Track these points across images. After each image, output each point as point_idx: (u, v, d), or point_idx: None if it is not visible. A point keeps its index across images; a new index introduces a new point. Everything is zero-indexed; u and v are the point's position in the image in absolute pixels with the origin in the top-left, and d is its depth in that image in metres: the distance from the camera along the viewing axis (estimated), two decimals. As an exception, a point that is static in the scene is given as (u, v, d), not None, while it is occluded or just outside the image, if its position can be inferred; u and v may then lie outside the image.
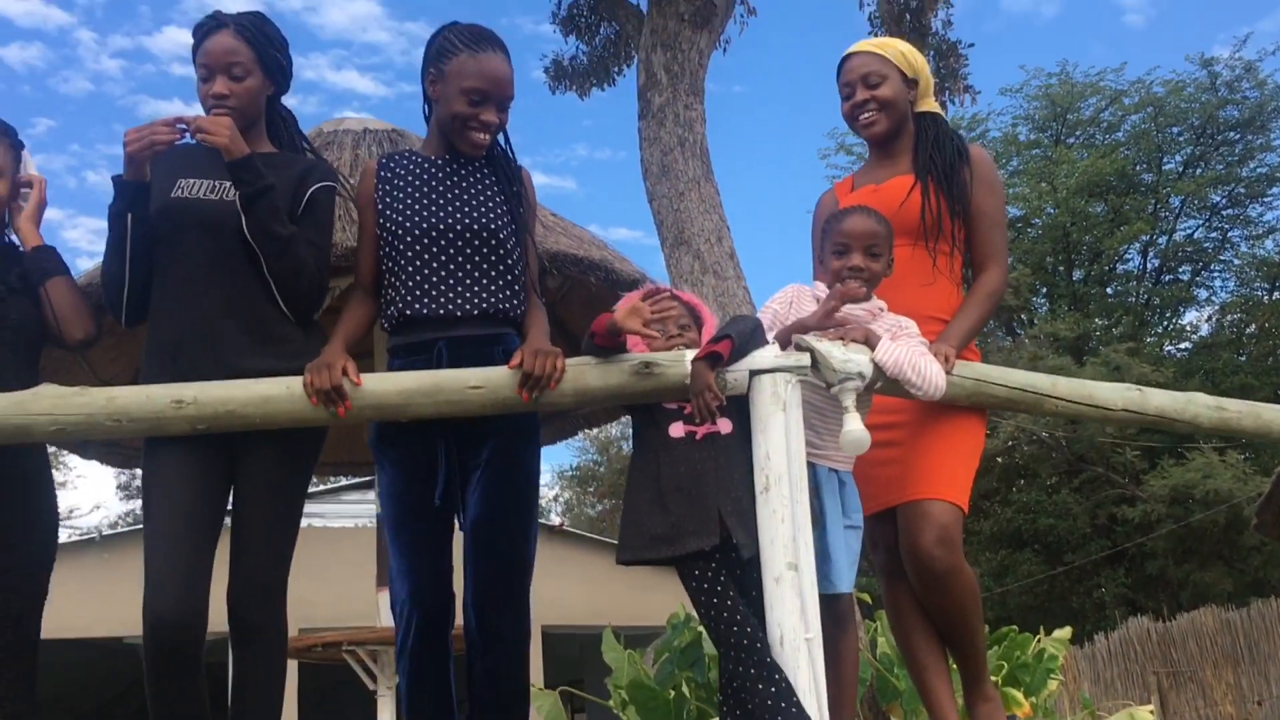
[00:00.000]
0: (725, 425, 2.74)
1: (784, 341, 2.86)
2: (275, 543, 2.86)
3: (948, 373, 2.92)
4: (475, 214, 2.99)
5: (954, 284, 3.27)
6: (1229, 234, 23.64)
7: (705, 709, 4.83)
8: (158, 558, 2.70)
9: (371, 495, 11.63)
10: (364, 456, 6.99)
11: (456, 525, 3.01)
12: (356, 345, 2.98)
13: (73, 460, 23.34)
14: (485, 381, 2.74)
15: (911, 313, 3.07)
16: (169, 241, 2.92)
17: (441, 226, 2.97)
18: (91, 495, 55.11)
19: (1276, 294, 22.77)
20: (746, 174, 49.30)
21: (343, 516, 16.51)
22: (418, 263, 2.95)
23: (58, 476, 3.18)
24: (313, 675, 13.49)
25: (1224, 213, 23.35)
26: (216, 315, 2.86)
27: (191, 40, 3.02)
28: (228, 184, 2.89)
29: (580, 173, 52.79)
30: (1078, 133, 23.59)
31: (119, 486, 30.78)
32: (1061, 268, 23.83)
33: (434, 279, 2.94)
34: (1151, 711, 5.10)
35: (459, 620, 3.01)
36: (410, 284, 2.95)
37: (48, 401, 2.65)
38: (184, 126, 2.85)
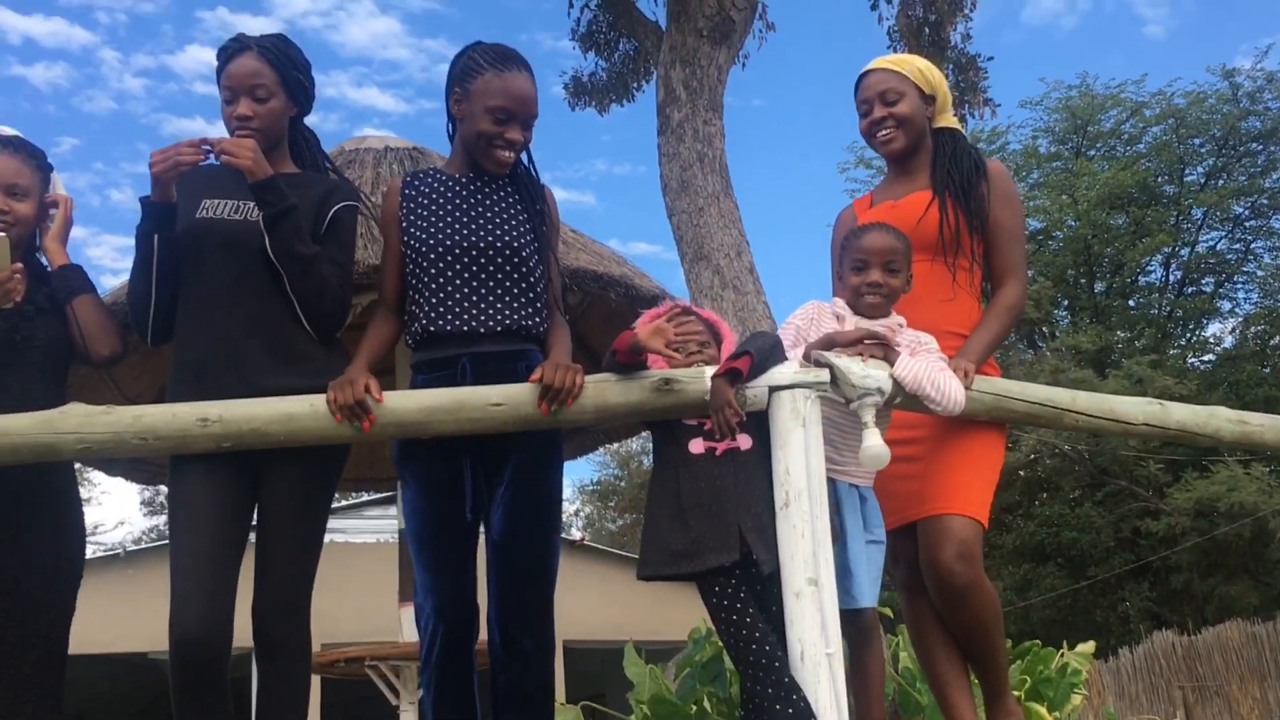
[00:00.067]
0: (745, 441, 2.75)
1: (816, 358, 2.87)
2: (299, 559, 2.88)
3: (967, 388, 2.93)
4: (499, 232, 3.02)
5: (973, 299, 3.27)
6: (1252, 245, 23.55)
7: (727, 724, 4.82)
8: (183, 575, 2.73)
9: (393, 510, 11.66)
10: (385, 472, 7.04)
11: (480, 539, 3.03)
12: (379, 362, 3.01)
13: (97, 476, 23.46)
14: (506, 399, 2.76)
15: (931, 328, 3.08)
16: (193, 261, 2.96)
17: (465, 244, 2.99)
18: (116, 511, 55.38)
19: (1300, 305, 22.65)
20: (766, 188, 49.34)
21: (365, 532, 16.57)
22: (441, 280, 2.98)
23: (82, 493, 3.22)
24: (336, 690, 13.50)
25: (1247, 224, 23.27)
26: (240, 334, 2.90)
27: (215, 60, 3.07)
28: (251, 204, 2.92)
29: (600, 187, 52.95)
30: (1099, 145, 23.53)
31: (143, 502, 30.99)
32: (1083, 280, 23.76)
33: (458, 295, 2.97)
34: (1176, 727, 5.06)
35: (483, 634, 3.03)
36: (434, 300, 2.97)
37: (75, 420, 2.68)
38: (208, 148, 2.89)
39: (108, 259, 46.39)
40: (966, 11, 10.74)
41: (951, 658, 3.14)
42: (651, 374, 2.78)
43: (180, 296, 2.97)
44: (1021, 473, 20.80)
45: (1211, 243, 23.63)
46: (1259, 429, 3.46)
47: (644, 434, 7.81)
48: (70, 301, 3.06)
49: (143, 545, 19.00)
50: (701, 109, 8.81)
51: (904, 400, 2.87)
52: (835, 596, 2.67)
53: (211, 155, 2.90)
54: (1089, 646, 5.86)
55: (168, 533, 2.88)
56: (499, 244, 3.00)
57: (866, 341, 2.87)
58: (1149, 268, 23.73)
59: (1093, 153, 23.44)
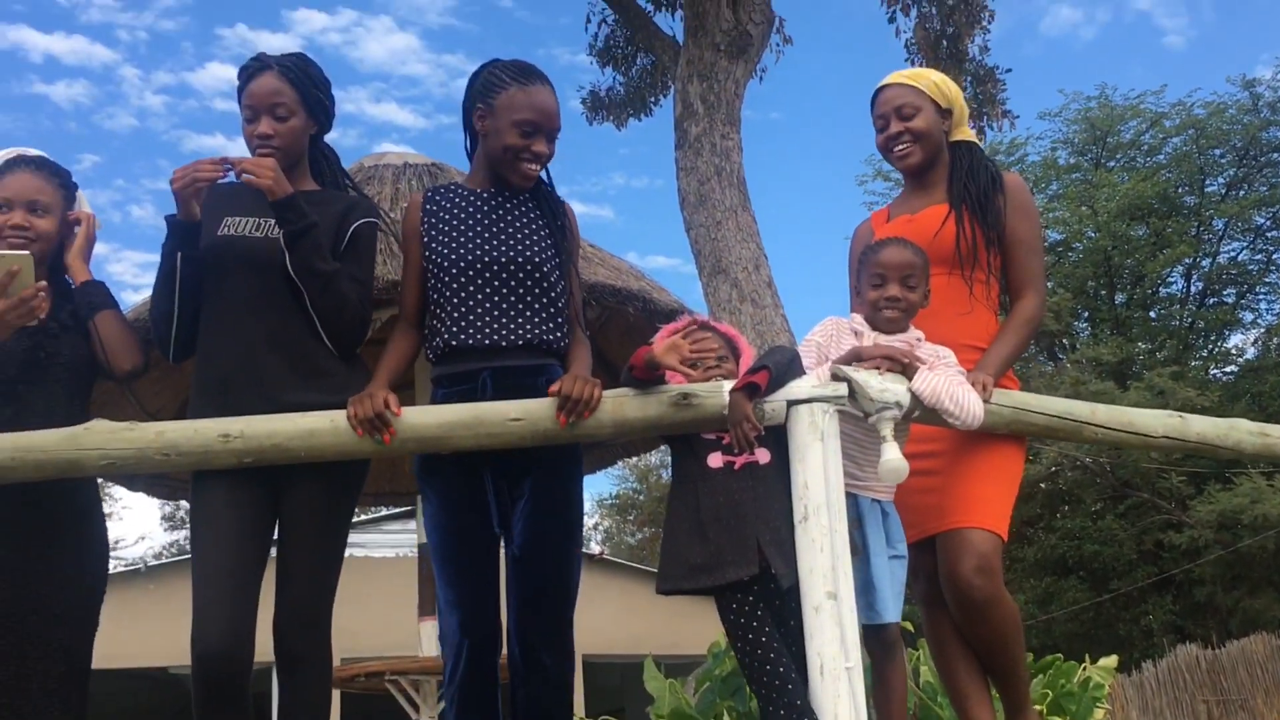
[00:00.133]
0: (763, 455, 2.76)
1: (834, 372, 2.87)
2: (320, 574, 2.90)
3: (985, 401, 2.92)
4: (520, 246, 3.03)
5: (991, 312, 3.27)
6: (1274, 256, 23.41)
7: (747, 738, 4.82)
8: (204, 590, 2.75)
9: (413, 525, 11.68)
10: (405, 486, 7.06)
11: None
12: (399, 378, 3.03)
13: (118, 491, 23.61)
14: (525, 414, 2.77)
15: (949, 342, 3.08)
16: (215, 278, 2.98)
17: (487, 259, 3.01)
18: (137, 526, 55.70)
19: (1324, 316, 22.50)
20: (784, 201, 49.33)
21: (384, 546, 16.62)
22: (463, 294, 2.99)
23: (104, 508, 3.25)
24: (356, 705, 13.49)
25: (1268, 234, 23.11)
26: (261, 351, 2.92)
27: (234, 77, 3.10)
28: (272, 221, 2.95)
29: (618, 201, 53.07)
30: (1118, 156, 23.44)
31: (163, 517, 31.17)
32: (1103, 292, 23.64)
33: (479, 310, 2.98)
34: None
35: (503, 648, 3.04)
36: (455, 315, 2.99)
37: (99, 436, 2.70)
38: (229, 167, 2.92)
39: (129, 275, 46.73)
40: (984, 23, 10.74)
41: (972, 671, 3.13)
42: (670, 388, 2.78)
43: (202, 313, 3.00)
44: (1043, 485, 20.70)
45: (1233, 253, 23.52)
46: (1280, 441, 3.45)
47: (663, 448, 7.81)
48: (93, 317, 3.09)
49: (163, 560, 19.09)
50: (719, 123, 8.83)
51: (922, 414, 2.87)
52: (854, 610, 2.67)
53: (232, 173, 2.93)
54: (1111, 660, 5.84)
55: (189, 547, 2.90)
56: (521, 259, 3.01)
57: (886, 366, 2.87)
58: (1170, 279, 23.62)
59: (1112, 164, 23.35)
